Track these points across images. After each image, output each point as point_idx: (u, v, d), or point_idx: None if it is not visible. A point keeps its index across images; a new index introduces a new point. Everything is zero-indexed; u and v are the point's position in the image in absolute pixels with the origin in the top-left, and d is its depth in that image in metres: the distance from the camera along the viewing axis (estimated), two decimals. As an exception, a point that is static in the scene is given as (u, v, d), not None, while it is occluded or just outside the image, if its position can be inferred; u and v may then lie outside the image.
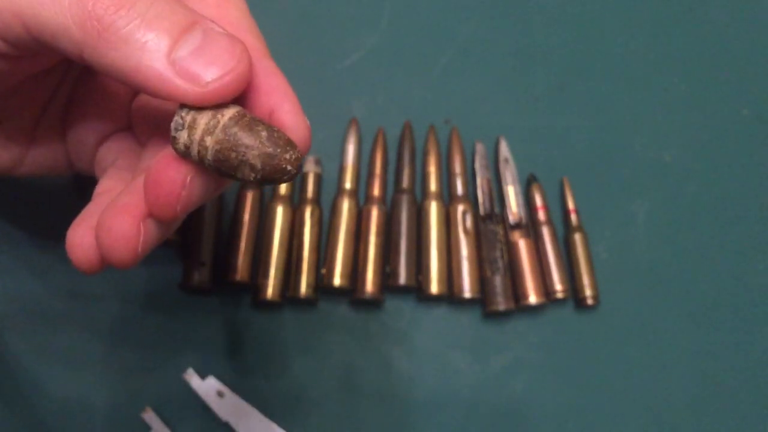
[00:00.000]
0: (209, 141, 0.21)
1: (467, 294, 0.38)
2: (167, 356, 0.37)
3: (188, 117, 0.21)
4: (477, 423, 0.38)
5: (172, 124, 0.21)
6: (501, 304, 0.38)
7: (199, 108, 0.21)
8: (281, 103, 0.23)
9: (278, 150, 0.21)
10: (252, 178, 0.21)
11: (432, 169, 0.40)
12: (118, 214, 0.22)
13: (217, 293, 0.38)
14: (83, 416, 0.35)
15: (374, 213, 0.39)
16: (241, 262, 0.37)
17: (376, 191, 0.40)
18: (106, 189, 0.27)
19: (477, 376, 0.38)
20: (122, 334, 0.37)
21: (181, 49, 0.20)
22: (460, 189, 0.40)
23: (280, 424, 0.36)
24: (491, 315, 0.39)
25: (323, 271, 0.38)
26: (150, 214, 0.22)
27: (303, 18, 0.44)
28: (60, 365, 0.36)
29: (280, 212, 0.38)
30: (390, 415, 0.37)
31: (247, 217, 0.38)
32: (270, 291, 0.37)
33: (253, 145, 0.21)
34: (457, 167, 0.41)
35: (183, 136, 0.21)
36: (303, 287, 0.37)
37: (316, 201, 0.39)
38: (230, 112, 0.21)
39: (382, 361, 0.38)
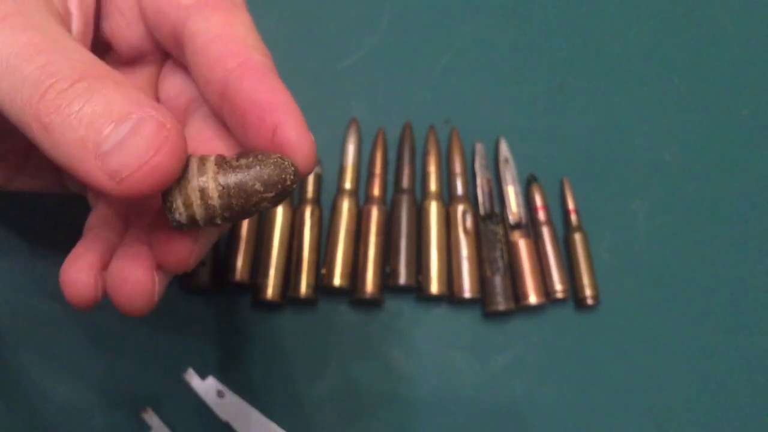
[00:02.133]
0: (215, 199, 0.21)
1: (467, 294, 0.38)
2: (167, 356, 0.37)
3: (177, 201, 0.21)
4: (477, 423, 0.38)
5: (168, 216, 0.21)
6: (501, 304, 0.38)
7: (175, 183, 0.20)
8: (285, 120, 0.22)
9: (272, 160, 0.21)
10: (264, 203, 0.21)
11: (432, 169, 0.40)
12: (133, 265, 0.23)
13: (217, 293, 0.38)
14: (83, 416, 0.35)
15: (374, 213, 0.39)
16: (241, 262, 0.37)
17: (376, 191, 0.40)
18: (98, 223, 0.26)
19: (477, 376, 0.38)
20: (122, 335, 0.37)
21: (107, 144, 0.19)
22: (460, 189, 0.40)
23: (280, 424, 0.36)
24: (491, 315, 0.39)
25: (323, 271, 0.38)
26: (163, 267, 0.23)
27: (303, 18, 0.44)
28: (60, 365, 0.36)
29: (279, 212, 0.38)
30: (390, 415, 0.37)
31: (247, 217, 0.38)
32: (270, 291, 0.37)
33: (253, 173, 0.21)
34: (457, 167, 0.41)
35: (184, 219, 0.21)
36: (303, 287, 0.37)
37: (316, 201, 0.39)
38: (210, 164, 0.21)
39: (382, 361, 0.38)
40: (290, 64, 0.41)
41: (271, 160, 0.21)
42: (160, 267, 0.23)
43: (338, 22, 0.44)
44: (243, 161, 0.21)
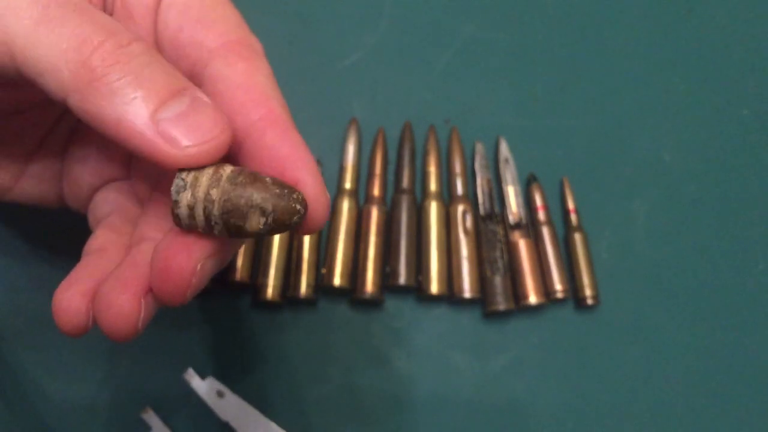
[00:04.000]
0: (215, 193, 0.21)
1: (467, 294, 0.38)
2: (167, 356, 0.37)
3: (189, 177, 0.21)
4: (477, 423, 0.38)
5: (173, 188, 0.21)
6: (501, 304, 0.38)
7: (199, 168, 0.21)
8: (305, 178, 0.23)
9: (286, 190, 0.21)
10: (262, 225, 0.21)
11: (432, 169, 0.40)
12: (119, 290, 0.22)
13: (217, 293, 0.38)
14: (83, 416, 0.35)
15: (374, 213, 0.39)
16: (241, 262, 0.37)
17: (376, 191, 0.40)
18: (97, 248, 0.26)
19: (477, 376, 0.38)
20: (122, 334, 0.37)
21: (166, 112, 0.20)
22: (460, 189, 0.40)
23: (280, 424, 0.36)
24: (491, 315, 0.39)
25: (323, 271, 0.38)
26: (155, 297, 0.22)
27: (303, 18, 0.44)
28: (60, 366, 0.36)
29: (280, 212, 0.38)
30: (390, 415, 0.37)
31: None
32: (270, 291, 0.37)
33: (261, 188, 0.21)
34: (457, 167, 0.41)
35: (186, 197, 0.21)
36: (303, 287, 0.37)
37: (316, 201, 0.39)
38: (230, 167, 0.21)
39: (382, 361, 0.38)
40: (290, 64, 0.42)
41: (286, 191, 0.21)
42: (153, 295, 0.23)
43: (338, 22, 0.44)
44: (259, 183, 0.21)
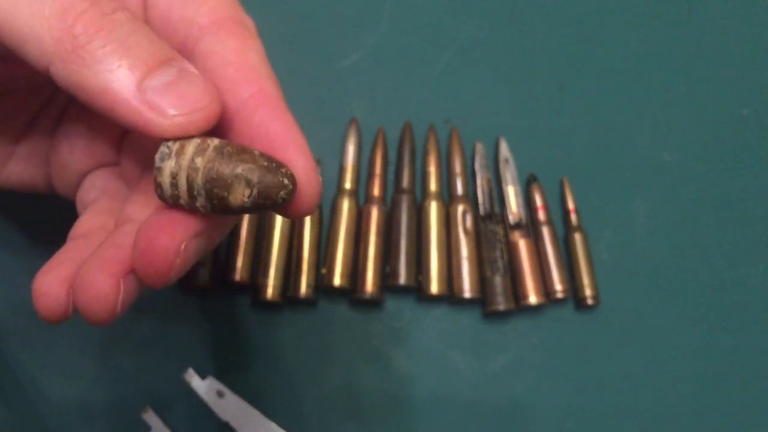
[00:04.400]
0: (200, 161, 0.20)
1: (467, 294, 0.38)
2: (167, 356, 0.37)
3: (175, 146, 0.20)
4: (477, 423, 0.38)
5: (157, 156, 0.21)
6: (501, 304, 0.38)
7: (186, 138, 0.21)
8: (296, 159, 0.22)
9: (274, 164, 0.21)
10: (247, 197, 0.20)
11: (432, 169, 0.40)
12: (96, 270, 0.21)
13: (217, 293, 0.38)
14: (83, 416, 0.35)
15: (374, 213, 0.39)
16: (241, 262, 0.37)
17: (376, 191, 0.40)
18: (83, 232, 0.26)
19: (477, 376, 0.38)
20: (122, 335, 0.37)
21: (153, 80, 0.20)
22: (460, 189, 0.40)
23: (280, 424, 0.36)
24: (491, 315, 0.39)
25: (323, 271, 0.38)
26: (139, 278, 0.21)
27: (303, 18, 0.44)
28: (60, 365, 0.36)
29: (280, 212, 0.38)
30: (390, 415, 0.37)
31: (247, 217, 0.38)
32: (270, 291, 0.37)
33: (248, 159, 0.20)
34: (457, 167, 0.41)
35: (169, 165, 0.20)
36: (303, 287, 0.37)
37: (316, 201, 0.39)
38: (218, 139, 0.21)
39: (382, 361, 0.38)
40: (290, 64, 0.42)
41: (274, 165, 0.20)
42: (130, 271, 0.21)
43: (338, 22, 0.44)
44: (246, 155, 0.20)
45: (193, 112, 0.20)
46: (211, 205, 0.21)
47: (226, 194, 0.20)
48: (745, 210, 0.43)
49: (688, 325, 0.40)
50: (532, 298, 0.38)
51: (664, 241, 0.42)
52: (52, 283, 0.22)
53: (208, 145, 0.20)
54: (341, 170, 0.40)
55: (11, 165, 0.29)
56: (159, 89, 0.20)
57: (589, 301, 0.39)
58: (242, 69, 0.23)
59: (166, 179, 0.21)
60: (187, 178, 0.20)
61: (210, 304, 0.38)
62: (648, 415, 0.39)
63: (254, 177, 0.20)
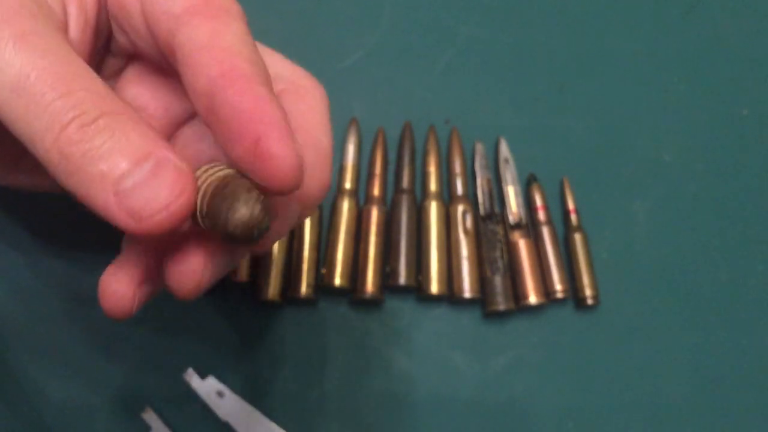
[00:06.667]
0: (203, 189, 0.22)
1: (467, 294, 0.38)
2: (167, 356, 0.37)
3: (199, 171, 0.22)
4: (477, 423, 0.38)
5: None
6: (501, 304, 0.38)
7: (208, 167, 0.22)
8: (269, 132, 0.21)
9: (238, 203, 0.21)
10: (227, 238, 0.21)
11: (432, 169, 0.40)
12: (113, 275, 0.24)
13: (217, 293, 0.38)
14: (83, 416, 0.35)
15: (374, 213, 0.39)
16: (241, 263, 0.37)
17: (376, 191, 0.40)
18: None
19: (477, 376, 0.38)
20: (122, 334, 0.37)
21: (127, 182, 0.20)
22: (460, 189, 0.40)
23: (280, 424, 0.36)
24: (491, 315, 0.39)
25: (323, 271, 0.38)
26: (167, 288, 0.24)
27: (303, 18, 0.44)
28: (60, 365, 0.36)
29: (280, 212, 0.38)
30: (390, 415, 0.37)
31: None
32: (270, 291, 0.37)
33: (225, 209, 0.21)
34: (457, 167, 0.41)
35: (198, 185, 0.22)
36: (303, 287, 0.37)
37: (316, 201, 0.39)
38: (223, 173, 0.22)
39: (382, 361, 0.38)
40: (290, 64, 0.42)
41: (238, 203, 0.21)
42: (147, 277, 0.24)
43: (338, 22, 0.44)
44: (227, 190, 0.21)
45: (157, 213, 0.20)
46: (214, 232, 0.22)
47: (218, 224, 0.21)
48: (745, 210, 0.43)
49: (688, 325, 0.40)
50: (532, 298, 0.38)
51: (664, 241, 0.42)
52: (119, 282, 0.24)
53: (210, 183, 0.22)
54: (341, 170, 0.40)
55: (15, 176, 0.29)
56: (131, 191, 0.20)
57: (589, 301, 0.39)
58: (213, 51, 0.22)
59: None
60: (200, 200, 0.22)
61: (210, 304, 0.38)
62: (648, 415, 0.39)
63: (227, 230, 0.21)
